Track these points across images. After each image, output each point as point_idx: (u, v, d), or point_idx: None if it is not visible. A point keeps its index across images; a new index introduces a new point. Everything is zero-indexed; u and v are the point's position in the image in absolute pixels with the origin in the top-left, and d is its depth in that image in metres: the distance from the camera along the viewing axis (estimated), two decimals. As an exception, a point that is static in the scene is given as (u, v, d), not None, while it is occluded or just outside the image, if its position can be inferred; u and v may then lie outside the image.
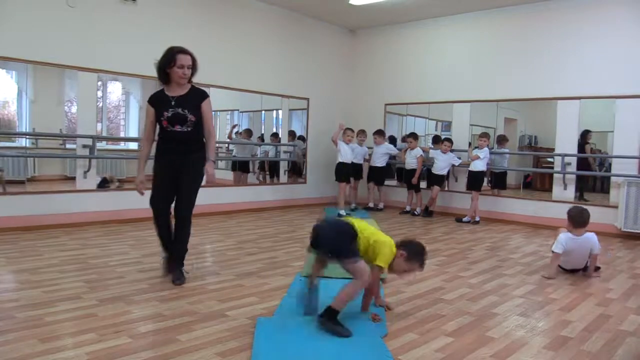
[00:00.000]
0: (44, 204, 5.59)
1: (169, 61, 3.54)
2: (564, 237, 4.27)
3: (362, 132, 8.43)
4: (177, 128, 3.55)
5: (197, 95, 3.69)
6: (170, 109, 3.55)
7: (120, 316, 2.88)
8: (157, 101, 3.61)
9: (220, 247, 5.04)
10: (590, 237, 4.27)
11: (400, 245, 2.99)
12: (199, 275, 3.89)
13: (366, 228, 2.97)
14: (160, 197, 3.64)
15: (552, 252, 4.30)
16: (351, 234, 2.88)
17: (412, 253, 2.98)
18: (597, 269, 4.42)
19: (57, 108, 7.31)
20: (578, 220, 4.28)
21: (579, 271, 4.39)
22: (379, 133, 8.30)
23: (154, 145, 3.76)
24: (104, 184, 6.50)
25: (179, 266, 3.71)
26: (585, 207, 4.45)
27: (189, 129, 3.57)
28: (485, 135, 7.49)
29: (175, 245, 3.72)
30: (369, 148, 8.54)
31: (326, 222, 3.07)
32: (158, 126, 3.62)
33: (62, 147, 7.27)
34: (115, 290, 3.38)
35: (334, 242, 2.85)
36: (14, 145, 7.34)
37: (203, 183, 3.75)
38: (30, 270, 3.81)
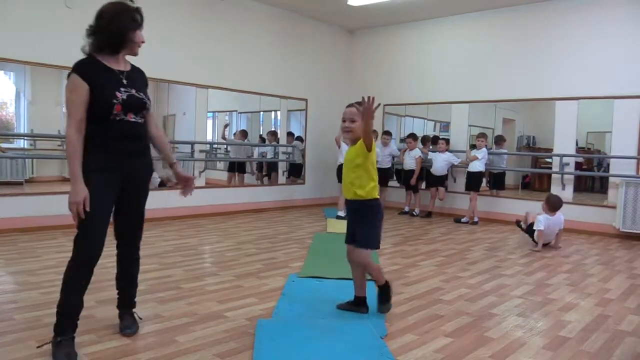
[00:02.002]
0: (42, 206, 5.58)
1: (133, 23, 2.46)
2: (543, 217, 5.51)
3: (372, 133, 8.24)
4: (131, 118, 2.49)
5: (141, 74, 2.69)
6: (123, 89, 2.46)
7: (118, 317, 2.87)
8: (97, 75, 2.41)
9: (219, 248, 5.04)
10: (560, 216, 5.59)
11: None
12: (198, 276, 3.89)
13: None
14: (100, 233, 2.42)
15: (537, 229, 5.46)
16: None
17: None
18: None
19: (55, 109, 7.28)
20: (556, 205, 5.53)
21: (549, 244, 5.66)
22: (388, 134, 8.30)
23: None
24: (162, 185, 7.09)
25: (130, 309, 2.78)
26: (558, 195, 5.85)
27: (142, 120, 2.57)
28: (482, 135, 7.49)
29: (126, 286, 2.77)
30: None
31: None
32: (92, 115, 2.39)
33: (60, 148, 7.24)
34: (113, 292, 3.34)
35: None
36: (12, 146, 7.32)
37: (186, 195, 2.84)
38: (28, 272, 3.81)
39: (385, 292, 3.11)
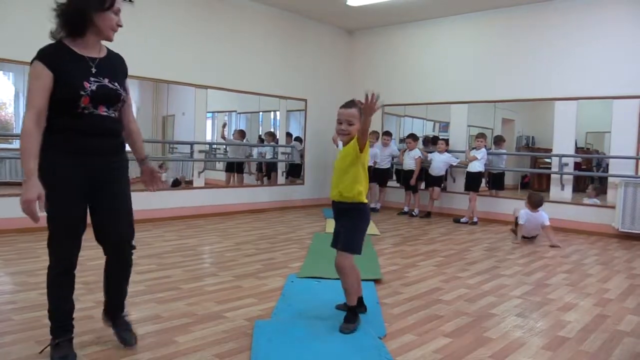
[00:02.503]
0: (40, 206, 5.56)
1: (97, 3, 2.16)
2: (524, 212, 5.96)
3: (373, 134, 8.06)
4: (103, 111, 2.23)
5: (120, 62, 2.40)
6: (93, 79, 2.20)
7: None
8: (61, 61, 2.15)
9: (219, 249, 5.04)
10: (542, 214, 5.92)
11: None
12: (197, 276, 3.89)
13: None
14: (73, 235, 2.27)
15: (518, 223, 5.95)
16: None
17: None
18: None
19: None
20: (536, 203, 5.93)
21: (534, 238, 6.08)
22: (388, 134, 8.29)
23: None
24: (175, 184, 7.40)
25: (121, 311, 2.55)
26: (539, 194, 6.23)
27: (116, 114, 2.31)
28: (482, 135, 7.49)
29: (115, 294, 2.52)
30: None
31: None
32: (57, 108, 2.15)
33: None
34: (113, 292, 3.36)
35: None
36: (11, 147, 7.32)
37: (151, 190, 2.68)
38: (27, 272, 3.80)
39: (352, 313, 2.84)
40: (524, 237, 6.02)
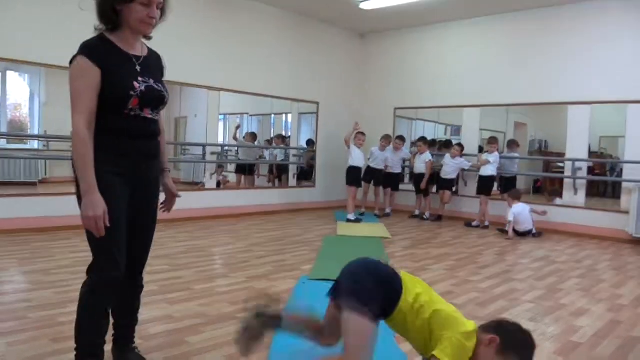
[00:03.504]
0: (55, 206, 5.64)
1: None
2: (514, 208, 6.64)
3: (386, 138, 8.11)
4: (148, 114, 2.09)
5: (159, 61, 2.29)
6: (140, 78, 2.05)
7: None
8: (109, 57, 1.99)
9: (230, 250, 5.06)
10: (524, 206, 6.73)
11: (488, 328, 1.93)
12: (208, 277, 3.91)
13: (424, 290, 1.98)
14: (121, 246, 2.04)
15: (509, 221, 6.58)
16: (388, 279, 1.95)
17: (511, 343, 1.88)
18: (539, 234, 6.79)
19: (68, 111, 7.37)
20: (515, 195, 6.85)
21: (529, 235, 6.69)
22: (402, 139, 8.28)
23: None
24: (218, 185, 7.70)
25: (132, 343, 2.31)
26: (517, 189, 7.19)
27: (158, 117, 2.20)
28: (494, 140, 7.44)
29: (127, 323, 2.28)
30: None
31: (358, 263, 2.07)
32: (102, 107, 1.96)
33: (73, 150, 7.33)
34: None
35: (353, 280, 1.97)
36: (25, 147, 7.41)
37: (164, 212, 2.40)
38: (42, 272, 3.85)
39: None
40: (515, 232, 6.61)
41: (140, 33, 2.08)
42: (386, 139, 8.11)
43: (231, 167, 8.75)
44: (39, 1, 5.48)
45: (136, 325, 2.31)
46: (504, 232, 6.77)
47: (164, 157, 2.30)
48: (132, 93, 1.99)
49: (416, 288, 1.94)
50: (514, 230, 6.61)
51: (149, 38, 2.16)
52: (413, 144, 8.85)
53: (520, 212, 6.64)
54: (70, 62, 1.96)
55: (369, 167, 7.95)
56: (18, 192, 5.76)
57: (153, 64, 2.18)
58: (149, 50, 2.21)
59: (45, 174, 7.12)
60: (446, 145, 8.34)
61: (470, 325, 1.89)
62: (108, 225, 1.87)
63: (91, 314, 2.01)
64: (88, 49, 1.95)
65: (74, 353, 2.02)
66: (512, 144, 7.83)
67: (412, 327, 1.90)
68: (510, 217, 6.56)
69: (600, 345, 2.81)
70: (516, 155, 7.80)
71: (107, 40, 2.02)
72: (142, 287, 2.29)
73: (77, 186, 1.95)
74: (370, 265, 2.01)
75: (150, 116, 2.11)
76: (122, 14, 2.00)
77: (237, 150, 8.67)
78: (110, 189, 1.94)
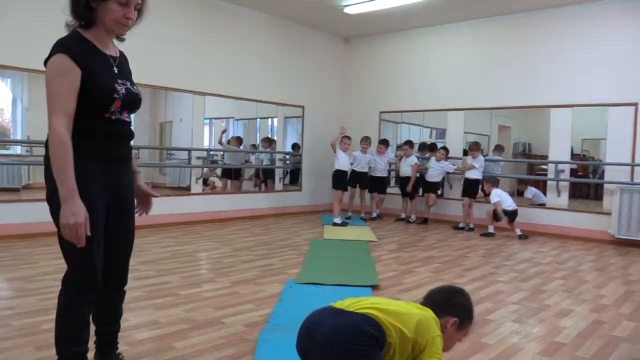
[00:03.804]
0: (38, 212, 5.51)
1: None
2: (494, 192, 6.90)
3: (366, 139, 8.06)
4: (125, 117, 2.04)
5: (127, 61, 2.16)
6: (120, 81, 1.99)
7: None
8: (89, 58, 1.90)
9: (216, 255, 5.04)
10: (499, 190, 7.00)
11: (441, 309, 2.00)
12: (195, 282, 3.89)
13: (394, 315, 1.85)
14: (99, 255, 1.96)
15: (495, 202, 6.84)
16: (365, 345, 1.74)
17: (464, 315, 2.06)
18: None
19: (51, 116, 7.31)
20: (493, 181, 7.14)
21: (515, 217, 6.92)
22: (384, 143, 8.29)
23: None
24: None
25: (115, 350, 2.25)
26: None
27: (131, 120, 2.10)
28: (476, 145, 7.44)
29: (111, 330, 2.21)
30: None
31: (327, 319, 1.84)
32: (83, 109, 1.87)
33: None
34: (111, 298, 3.37)
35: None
36: (8, 152, 7.32)
37: (141, 215, 2.33)
38: (25, 278, 3.80)
39: None
40: (505, 212, 6.81)
41: (114, 33, 1.98)
42: (366, 140, 8.07)
43: (218, 172, 8.73)
44: (21, 5, 5.43)
45: (119, 331, 2.25)
46: (489, 235, 6.86)
47: (134, 160, 2.20)
48: (115, 96, 1.93)
49: (389, 318, 1.81)
50: (504, 211, 6.81)
51: (121, 40, 2.05)
52: (399, 147, 8.90)
53: (500, 194, 6.92)
54: (46, 60, 1.86)
55: (353, 171, 7.95)
56: (1, 199, 5.69)
57: (125, 65, 2.10)
58: (119, 50, 2.11)
59: (29, 179, 7.04)
60: (431, 148, 8.39)
61: (435, 321, 1.93)
62: (89, 234, 1.78)
63: (71, 323, 1.96)
64: (67, 48, 1.83)
65: None
66: (498, 148, 7.90)
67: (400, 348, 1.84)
68: (496, 198, 6.82)
69: (584, 345, 2.84)
70: (499, 157, 7.87)
71: (84, 39, 1.91)
72: (124, 293, 2.22)
73: (50, 191, 1.87)
74: (342, 347, 1.74)
75: (128, 119, 2.05)
76: (96, 12, 1.88)
77: (223, 155, 8.64)
78: (89, 195, 1.85)
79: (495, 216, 6.94)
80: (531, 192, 7.70)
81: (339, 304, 1.91)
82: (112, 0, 1.86)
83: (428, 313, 1.94)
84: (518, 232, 6.82)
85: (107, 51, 1.99)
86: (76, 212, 1.74)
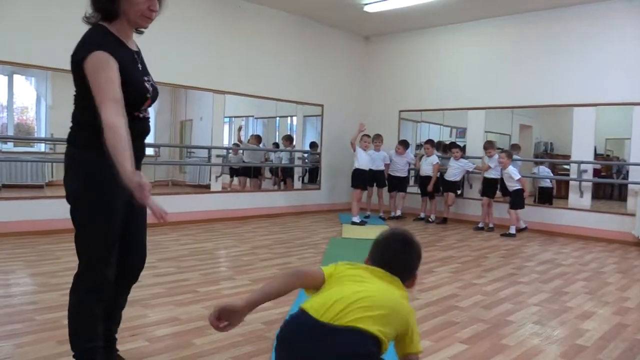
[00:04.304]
0: (61, 209, 5.61)
1: None
2: (512, 168, 6.85)
3: (377, 137, 8.10)
4: (147, 114, 2.05)
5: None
6: (145, 77, 1.98)
7: (136, 319, 2.91)
8: (120, 55, 1.86)
9: (235, 253, 5.07)
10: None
11: (409, 272, 1.84)
12: (214, 280, 3.92)
13: (391, 313, 1.62)
14: (114, 249, 2.00)
15: (519, 179, 6.82)
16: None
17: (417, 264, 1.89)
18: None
19: (75, 114, 7.42)
20: (509, 156, 6.91)
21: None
22: (403, 144, 8.23)
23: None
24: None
25: (115, 346, 2.28)
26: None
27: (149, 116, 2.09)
28: (489, 144, 7.35)
29: (114, 328, 2.24)
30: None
31: (320, 347, 1.53)
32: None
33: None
34: (131, 294, 3.39)
35: None
36: (32, 150, 7.46)
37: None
38: (48, 274, 3.87)
39: None
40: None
41: (138, 26, 1.94)
42: (378, 138, 8.06)
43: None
44: (45, 4, 5.52)
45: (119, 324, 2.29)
46: (510, 235, 6.80)
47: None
48: (147, 95, 1.93)
49: (380, 328, 1.57)
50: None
51: (140, 33, 2.02)
52: (419, 146, 8.85)
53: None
54: (78, 58, 1.83)
55: (370, 169, 7.91)
56: (25, 195, 5.79)
57: (143, 60, 2.05)
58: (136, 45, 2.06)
59: (52, 176, 7.17)
60: (449, 147, 8.33)
61: (406, 298, 1.74)
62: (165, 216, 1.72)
63: (83, 320, 1.98)
64: (100, 44, 1.80)
65: None
66: (515, 147, 7.81)
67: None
68: (519, 174, 6.84)
69: (606, 349, 2.80)
70: (518, 157, 7.78)
71: (110, 32, 1.88)
72: (129, 292, 2.27)
73: (70, 190, 1.92)
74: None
75: (148, 115, 2.03)
76: (120, 4, 1.84)
77: (242, 153, 8.70)
78: (112, 196, 1.88)
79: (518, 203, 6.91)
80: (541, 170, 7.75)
81: (320, 312, 1.57)
82: None
83: (402, 293, 1.74)
84: (514, 227, 6.92)
85: (130, 45, 1.96)
86: (139, 176, 1.67)
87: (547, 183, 7.69)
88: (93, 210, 1.90)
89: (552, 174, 7.69)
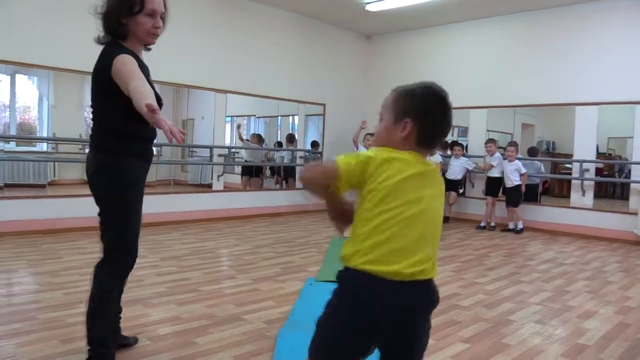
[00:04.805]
0: (64, 208, 5.68)
1: (131, 4, 2.08)
2: (519, 162, 7.02)
3: (371, 135, 8.09)
4: None
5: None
6: (154, 89, 2.13)
7: (139, 318, 2.92)
8: (138, 64, 2.11)
9: (237, 252, 5.08)
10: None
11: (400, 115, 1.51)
12: (215, 279, 3.93)
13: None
14: (136, 241, 2.28)
15: (523, 174, 6.96)
16: None
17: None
18: None
19: (77, 113, 7.44)
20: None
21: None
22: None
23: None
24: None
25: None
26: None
27: None
28: (491, 141, 7.37)
29: (120, 308, 2.48)
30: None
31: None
32: (130, 113, 1.94)
33: (81, 152, 7.39)
34: (134, 293, 3.42)
35: None
36: (34, 149, 7.48)
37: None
38: (50, 273, 3.88)
39: None
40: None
41: (146, 43, 2.21)
42: (372, 136, 8.07)
43: (238, 169, 8.78)
44: (47, 5, 5.53)
45: None
46: (516, 231, 7.01)
47: None
48: (161, 102, 2.12)
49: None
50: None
51: (148, 49, 2.28)
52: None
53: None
54: (109, 63, 2.03)
55: None
56: (27, 194, 5.81)
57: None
58: None
59: (54, 176, 7.19)
60: (450, 146, 8.32)
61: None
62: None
63: (107, 300, 2.21)
64: (124, 51, 2.07)
65: (87, 348, 2.16)
66: (534, 152, 7.81)
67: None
68: (524, 169, 7.00)
69: (608, 348, 2.80)
70: (520, 156, 7.78)
71: (126, 47, 2.13)
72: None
73: (98, 170, 2.14)
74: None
75: None
76: (128, 26, 2.12)
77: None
78: (139, 185, 2.20)
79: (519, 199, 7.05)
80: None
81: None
82: (140, 14, 2.10)
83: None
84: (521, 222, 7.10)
85: (142, 59, 2.23)
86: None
87: (532, 180, 7.57)
88: (118, 211, 2.17)
89: (542, 170, 7.73)
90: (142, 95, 1.85)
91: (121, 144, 2.10)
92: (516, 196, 7.01)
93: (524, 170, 7.01)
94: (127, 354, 2.43)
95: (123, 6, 2.09)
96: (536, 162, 7.77)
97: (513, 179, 7.01)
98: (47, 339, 2.57)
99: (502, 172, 7.27)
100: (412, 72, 8.93)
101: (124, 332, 2.53)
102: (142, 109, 1.76)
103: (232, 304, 3.31)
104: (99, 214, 2.20)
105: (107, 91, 2.07)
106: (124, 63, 2.01)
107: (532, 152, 8.01)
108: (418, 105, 1.53)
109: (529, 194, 7.41)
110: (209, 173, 7.57)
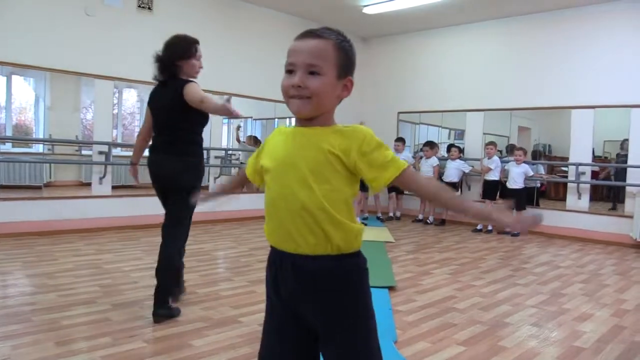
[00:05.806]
0: (59, 210, 5.66)
1: (186, 51, 2.98)
2: (526, 165, 7.07)
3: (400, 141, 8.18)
4: None
5: None
6: None
7: (134, 321, 2.91)
8: None
9: (233, 254, 5.07)
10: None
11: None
12: (212, 281, 3.92)
13: None
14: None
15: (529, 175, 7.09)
16: None
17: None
18: None
19: (73, 115, 7.41)
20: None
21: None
22: (401, 140, 8.24)
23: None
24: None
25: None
26: None
27: None
28: (491, 143, 7.40)
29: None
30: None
31: None
32: (200, 126, 3.13)
33: (78, 154, 7.37)
34: (129, 295, 3.41)
35: None
36: (30, 151, 7.45)
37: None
38: (46, 275, 3.86)
39: None
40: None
41: (192, 77, 3.01)
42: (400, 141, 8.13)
43: (234, 172, 8.77)
44: (44, 6, 5.51)
45: None
46: (506, 233, 6.95)
47: None
48: (206, 120, 3.11)
49: None
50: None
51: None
52: (421, 150, 8.85)
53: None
54: (181, 90, 2.87)
55: None
56: (23, 196, 5.78)
57: None
58: None
59: (50, 177, 7.16)
60: (447, 149, 8.34)
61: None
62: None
63: (179, 256, 3.16)
64: (184, 80, 2.96)
65: (168, 298, 2.97)
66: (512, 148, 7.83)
67: None
68: (532, 172, 7.06)
69: (604, 351, 2.80)
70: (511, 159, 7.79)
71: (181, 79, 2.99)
72: None
73: (181, 169, 2.99)
74: None
75: None
76: (182, 68, 2.96)
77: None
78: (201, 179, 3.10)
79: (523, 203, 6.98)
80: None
81: None
82: (192, 58, 3.01)
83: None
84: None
85: None
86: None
87: (529, 184, 7.57)
88: (195, 194, 2.70)
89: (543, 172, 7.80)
90: (212, 106, 2.82)
91: (199, 150, 3.09)
92: (521, 201, 6.99)
93: (531, 174, 7.09)
94: (122, 355, 2.42)
95: (184, 52, 2.97)
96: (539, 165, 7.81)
97: (517, 182, 7.03)
98: (42, 341, 2.56)
99: (500, 176, 7.29)
100: (408, 75, 8.95)
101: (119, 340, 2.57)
102: (220, 110, 2.74)
103: (228, 306, 3.30)
104: (175, 197, 2.96)
105: (185, 110, 2.89)
106: (195, 88, 2.87)
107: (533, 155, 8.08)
108: (354, 63, 1.37)
109: (528, 197, 7.43)
110: (205, 175, 7.55)
